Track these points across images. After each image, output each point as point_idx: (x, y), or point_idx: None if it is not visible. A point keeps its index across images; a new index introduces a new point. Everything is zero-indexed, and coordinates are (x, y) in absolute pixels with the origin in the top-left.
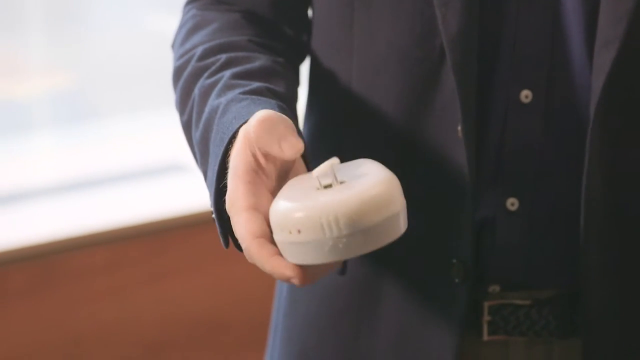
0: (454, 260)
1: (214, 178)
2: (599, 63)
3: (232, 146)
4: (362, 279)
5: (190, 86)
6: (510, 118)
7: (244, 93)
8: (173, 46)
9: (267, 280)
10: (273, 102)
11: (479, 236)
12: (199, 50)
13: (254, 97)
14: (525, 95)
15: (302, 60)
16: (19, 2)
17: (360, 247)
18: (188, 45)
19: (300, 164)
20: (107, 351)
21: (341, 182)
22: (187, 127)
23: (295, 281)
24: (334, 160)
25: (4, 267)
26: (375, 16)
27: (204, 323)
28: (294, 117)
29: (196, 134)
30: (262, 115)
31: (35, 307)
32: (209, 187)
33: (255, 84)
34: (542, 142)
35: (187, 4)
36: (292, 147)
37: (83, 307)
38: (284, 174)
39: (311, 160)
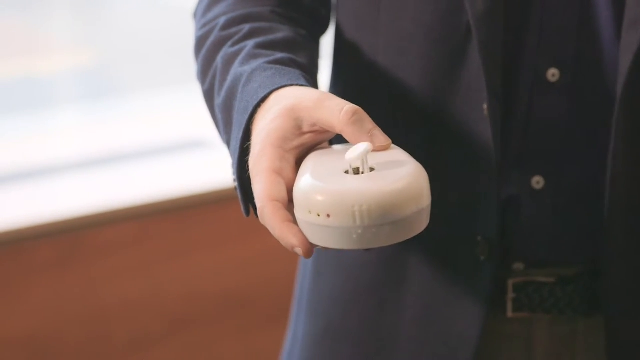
0: (480, 238)
1: (238, 145)
2: (627, 42)
3: (256, 114)
4: (387, 255)
5: (213, 55)
6: (537, 96)
7: (268, 62)
8: (195, 16)
9: (290, 255)
10: (298, 72)
11: (504, 214)
12: (221, 20)
13: (278, 67)
14: (552, 73)
15: (322, 32)
16: None
17: (387, 239)
18: (210, 15)
19: (326, 143)
20: (131, 326)
21: (371, 169)
22: (208, 96)
23: (299, 251)
24: (368, 146)
25: (30, 242)
26: None
27: (228, 298)
28: (316, 89)
29: (218, 101)
30: (355, 106)
31: (62, 282)
32: (232, 153)
33: (279, 54)
34: (569, 121)
35: None
36: (382, 142)
37: (108, 282)
38: (311, 150)
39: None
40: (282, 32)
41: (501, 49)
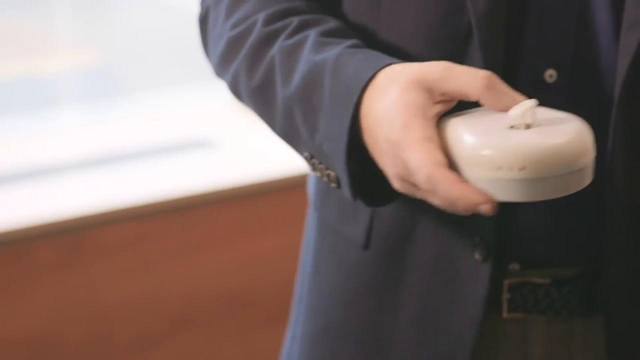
0: (477, 239)
1: (345, 130)
2: (625, 44)
3: (365, 95)
4: (386, 254)
5: (261, 50)
6: (535, 97)
7: (349, 47)
8: (205, 20)
9: (291, 255)
10: (385, 56)
11: (501, 214)
12: (260, 17)
13: (365, 50)
14: (550, 74)
15: None
16: None
17: (568, 188)
18: (239, 15)
19: None
20: (133, 326)
21: (537, 125)
22: (260, 91)
23: (485, 208)
24: (533, 101)
25: (32, 241)
26: None
27: (229, 299)
28: None
29: (286, 92)
30: (486, 72)
31: (63, 282)
32: (331, 141)
33: (351, 41)
34: None
35: None
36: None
37: (110, 281)
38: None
39: None
40: (332, 22)
41: (502, 49)
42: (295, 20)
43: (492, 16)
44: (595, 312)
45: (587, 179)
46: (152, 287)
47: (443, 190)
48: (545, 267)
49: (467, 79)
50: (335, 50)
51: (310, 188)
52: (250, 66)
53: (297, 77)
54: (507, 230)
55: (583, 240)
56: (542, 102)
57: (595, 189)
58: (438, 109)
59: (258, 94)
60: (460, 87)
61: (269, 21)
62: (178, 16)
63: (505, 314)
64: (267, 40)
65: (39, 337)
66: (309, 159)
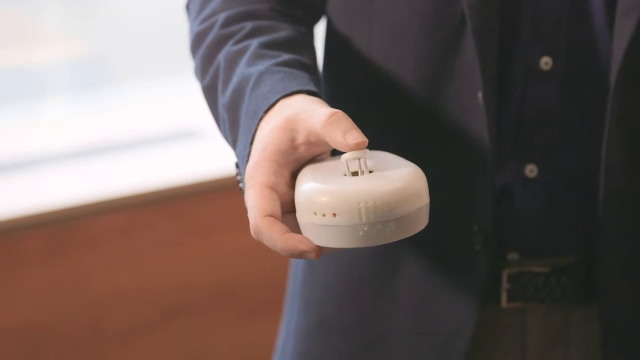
0: (475, 228)
1: (247, 150)
2: (620, 30)
3: (263, 120)
4: (382, 246)
5: (214, 52)
6: (530, 85)
7: (276, 64)
8: (188, 8)
9: None
10: (306, 76)
11: (498, 203)
12: (221, 17)
13: (287, 69)
14: (545, 62)
15: (316, 23)
16: None
17: (390, 236)
18: (208, 11)
19: (327, 155)
20: (123, 316)
21: (370, 172)
22: (209, 92)
23: (310, 255)
24: (364, 150)
25: (22, 232)
26: None
27: (220, 288)
28: (322, 90)
29: (222, 100)
30: (335, 110)
31: (53, 272)
32: (238, 155)
33: (286, 56)
34: (562, 109)
35: None
36: (356, 139)
37: (100, 272)
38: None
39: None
40: (285, 31)
41: (496, 37)
42: (248, 26)
43: (485, 5)
44: (592, 302)
45: (413, 227)
46: (142, 277)
47: (266, 239)
48: (544, 256)
49: (318, 115)
50: (262, 66)
51: None
52: (205, 66)
53: (230, 88)
54: (505, 219)
55: (581, 229)
56: (539, 90)
57: (592, 176)
58: (300, 153)
59: (207, 94)
60: (312, 125)
61: (226, 23)
62: (169, 6)
63: (504, 304)
64: (220, 42)
65: (29, 327)
66: (237, 167)
